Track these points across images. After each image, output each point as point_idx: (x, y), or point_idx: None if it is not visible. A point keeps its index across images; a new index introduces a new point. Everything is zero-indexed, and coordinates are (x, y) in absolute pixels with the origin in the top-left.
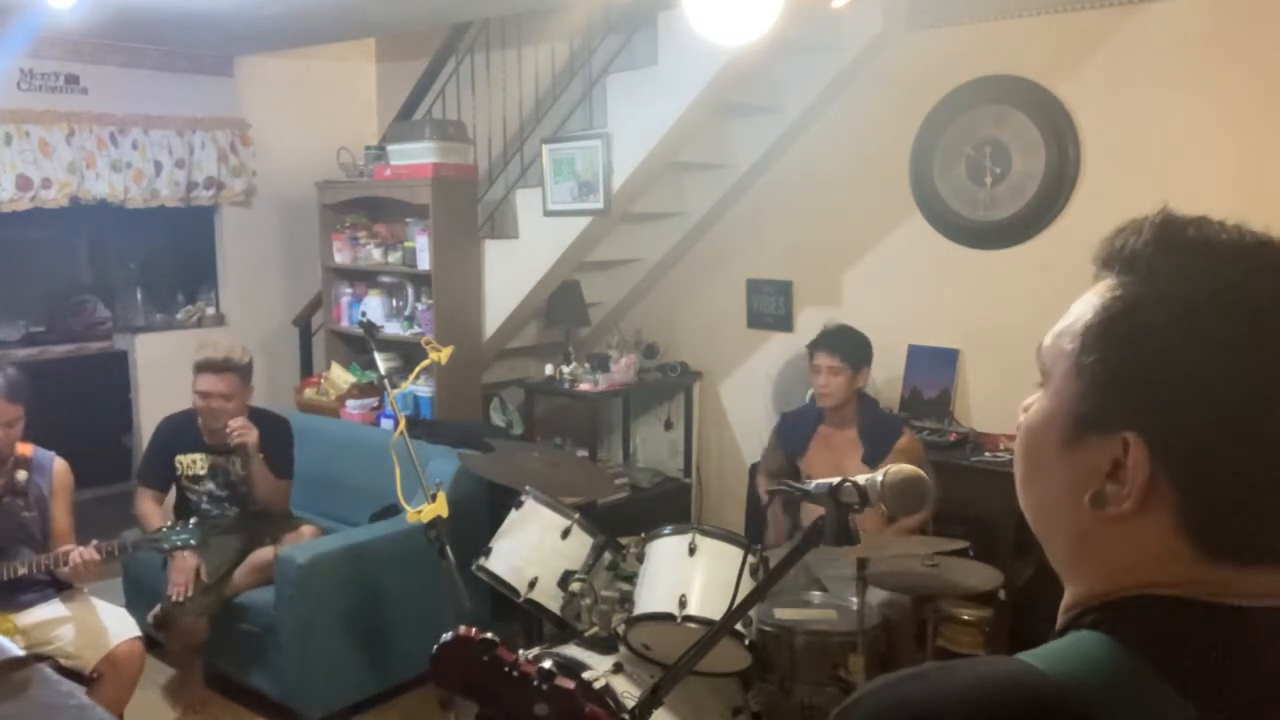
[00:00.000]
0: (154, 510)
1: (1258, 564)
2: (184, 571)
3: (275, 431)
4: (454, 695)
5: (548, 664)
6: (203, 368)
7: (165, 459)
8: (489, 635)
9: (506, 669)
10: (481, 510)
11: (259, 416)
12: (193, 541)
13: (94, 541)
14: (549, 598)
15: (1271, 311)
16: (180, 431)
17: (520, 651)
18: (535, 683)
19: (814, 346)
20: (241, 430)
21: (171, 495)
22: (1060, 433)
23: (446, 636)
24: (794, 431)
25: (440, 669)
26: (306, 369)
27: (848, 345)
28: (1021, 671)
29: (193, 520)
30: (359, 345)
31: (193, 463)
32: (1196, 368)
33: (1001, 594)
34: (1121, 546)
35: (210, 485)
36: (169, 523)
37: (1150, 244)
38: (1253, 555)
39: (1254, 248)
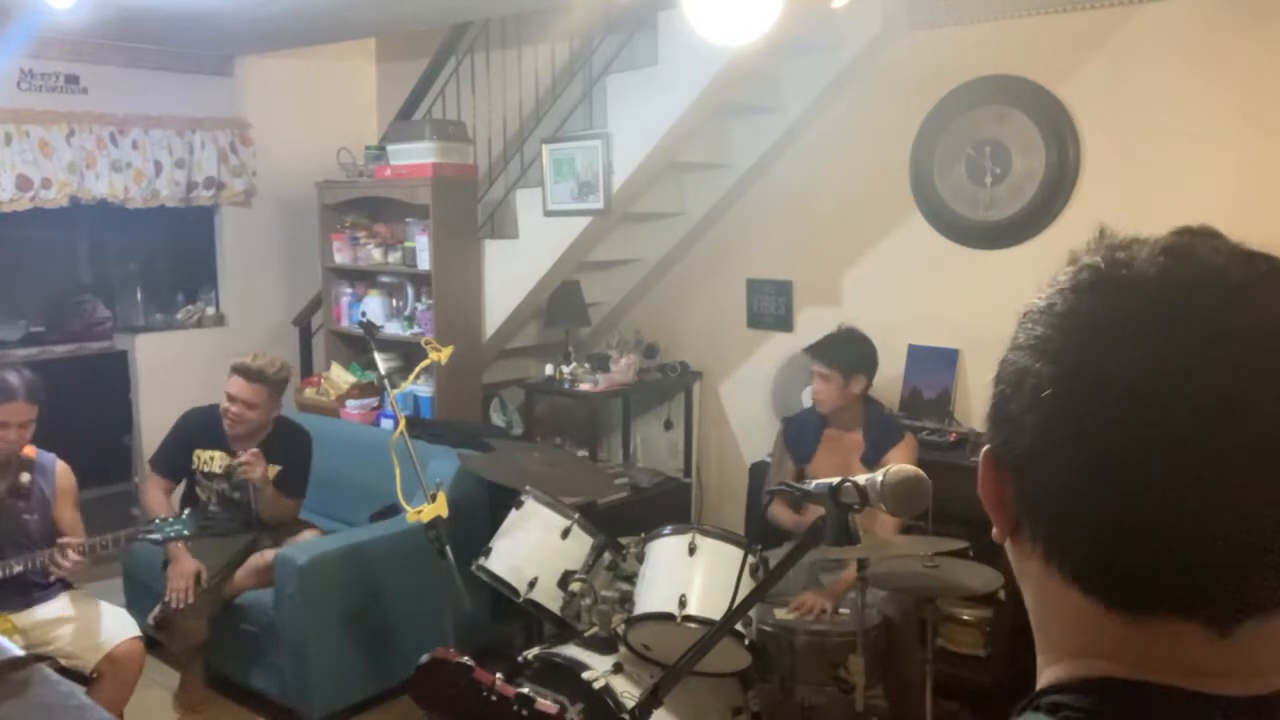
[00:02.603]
0: (161, 501)
1: (1151, 614)
2: (183, 576)
3: (295, 446)
4: (434, 715)
5: (527, 689)
6: (235, 370)
7: (183, 450)
8: (465, 660)
9: (484, 693)
10: (481, 510)
11: (284, 428)
12: (185, 532)
13: (74, 540)
14: (549, 598)
15: (1085, 320)
16: (205, 426)
17: (497, 675)
18: (515, 708)
19: (807, 352)
20: (247, 466)
21: (178, 490)
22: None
23: (424, 659)
24: (800, 437)
25: (418, 690)
26: (306, 369)
27: (838, 353)
28: None
29: (186, 511)
30: (359, 345)
31: (210, 459)
32: (1025, 377)
33: (1002, 594)
34: (1041, 594)
35: (223, 485)
36: (163, 515)
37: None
38: (1148, 605)
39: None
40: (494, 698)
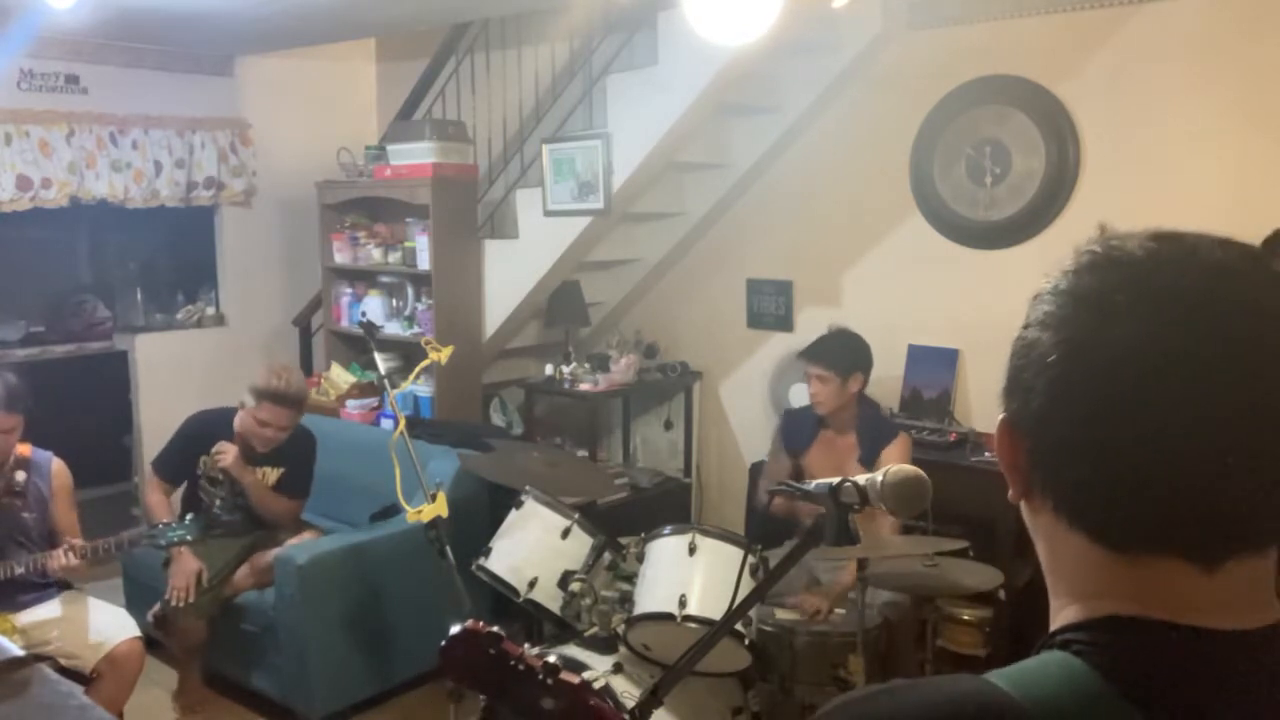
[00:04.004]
0: (162, 502)
1: (1144, 554)
2: (185, 575)
3: (300, 448)
4: (462, 687)
5: (552, 658)
6: (272, 398)
7: (189, 455)
8: (495, 629)
9: (512, 662)
10: (481, 510)
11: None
12: (189, 537)
13: (79, 542)
14: (549, 598)
15: (1083, 295)
16: (213, 432)
17: (526, 645)
18: (541, 676)
19: (802, 356)
20: (220, 457)
21: (179, 491)
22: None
23: (455, 629)
24: (797, 429)
25: (448, 661)
26: (306, 369)
27: (833, 353)
28: (986, 691)
29: (189, 516)
30: (359, 345)
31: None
32: (1035, 347)
33: (1001, 594)
34: (1051, 544)
35: (227, 490)
36: (166, 519)
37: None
38: (1143, 545)
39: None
40: (521, 667)
